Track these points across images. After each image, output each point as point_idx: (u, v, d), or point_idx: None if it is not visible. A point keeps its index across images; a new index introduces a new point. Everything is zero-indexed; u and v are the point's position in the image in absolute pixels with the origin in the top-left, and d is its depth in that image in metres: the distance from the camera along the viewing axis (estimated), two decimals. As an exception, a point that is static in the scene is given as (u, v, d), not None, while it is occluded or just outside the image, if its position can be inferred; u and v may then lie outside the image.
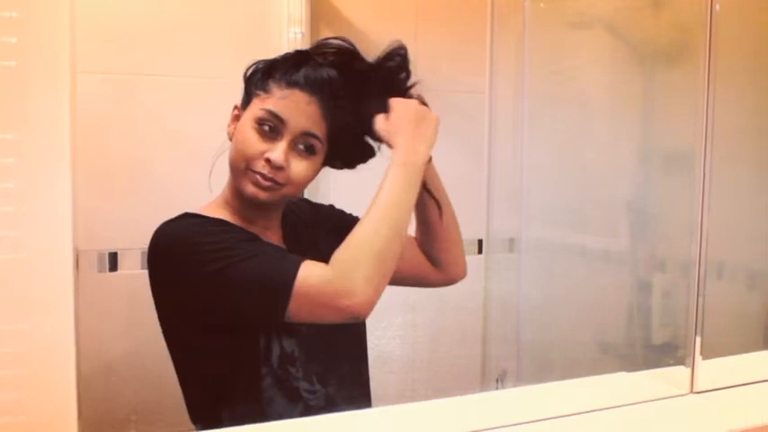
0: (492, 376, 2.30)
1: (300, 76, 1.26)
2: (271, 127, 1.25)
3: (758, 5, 1.93)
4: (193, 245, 1.23)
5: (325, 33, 2.10)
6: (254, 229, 1.32)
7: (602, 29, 2.20)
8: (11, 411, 0.62)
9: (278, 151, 1.24)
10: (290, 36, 1.97)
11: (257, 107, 1.27)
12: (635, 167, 2.15)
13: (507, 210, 2.38)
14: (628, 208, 2.14)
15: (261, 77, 1.30)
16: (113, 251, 1.93)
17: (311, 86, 1.25)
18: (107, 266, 1.92)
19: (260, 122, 1.26)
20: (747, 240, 2.03)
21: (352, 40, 1.33)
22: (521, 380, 2.32)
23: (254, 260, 1.20)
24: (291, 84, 1.26)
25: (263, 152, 1.25)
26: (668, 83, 2.00)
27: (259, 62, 1.33)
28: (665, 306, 2.02)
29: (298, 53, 1.31)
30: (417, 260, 1.51)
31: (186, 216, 1.31)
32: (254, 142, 1.25)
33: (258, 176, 1.26)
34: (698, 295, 1.19)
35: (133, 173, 1.92)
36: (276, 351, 1.28)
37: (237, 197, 1.32)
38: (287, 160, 1.26)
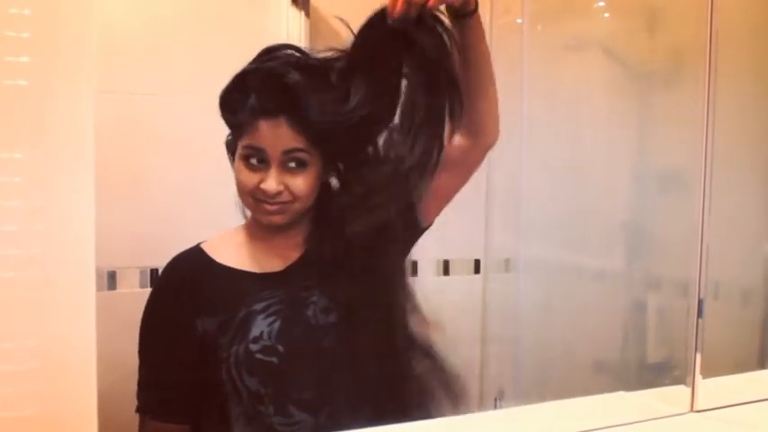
0: (490, 395, 2.30)
1: (254, 103, 1.27)
2: (257, 159, 1.29)
3: (756, 25, 1.95)
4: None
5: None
6: (271, 249, 1.39)
7: (599, 51, 2.22)
8: (29, 425, 0.62)
9: (269, 180, 1.28)
10: (289, 56, 1.98)
11: (240, 145, 1.31)
12: (631, 187, 2.17)
13: (504, 230, 2.39)
14: (624, 228, 2.15)
15: (228, 116, 1.34)
16: (112, 270, 1.93)
17: (270, 110, 1.27)
18: (105, 285, 1.91)
19: (246, 158, 1.30)
20: (742, 260, 2.05)
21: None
22: (519, 399, 2.32)
23: None
24: (253, 113, 1.27)
25: (258, 184, 1.29)
26: (664, 104, 2.02)
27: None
28: (661, 325, 2.02)
29: (237, 79, 1.32)
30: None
31: (197, 252, 1.41)
32: (248, 178, 1.30)
33: (265, 205, 1.31)
34: (698, 314, 1.20)
35: (134, 191, 1.92)
36: (245, 391, 1.30)
37: (257, 222, 1.39)
38: (281, 183, 1.29)
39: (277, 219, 1.33)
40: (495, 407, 2.24)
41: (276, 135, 1.27)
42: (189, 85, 1.88)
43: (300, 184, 1.30)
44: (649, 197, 2.10)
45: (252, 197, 1.31)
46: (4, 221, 0.66)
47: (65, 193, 0.64)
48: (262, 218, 1.34)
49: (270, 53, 1.32)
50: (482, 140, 1.43)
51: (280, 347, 1.30)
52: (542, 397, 1.16)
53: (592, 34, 2.21)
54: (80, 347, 0.63)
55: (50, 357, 0.63)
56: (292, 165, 1.29)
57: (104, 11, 1.86)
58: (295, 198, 1.31)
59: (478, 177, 2.27)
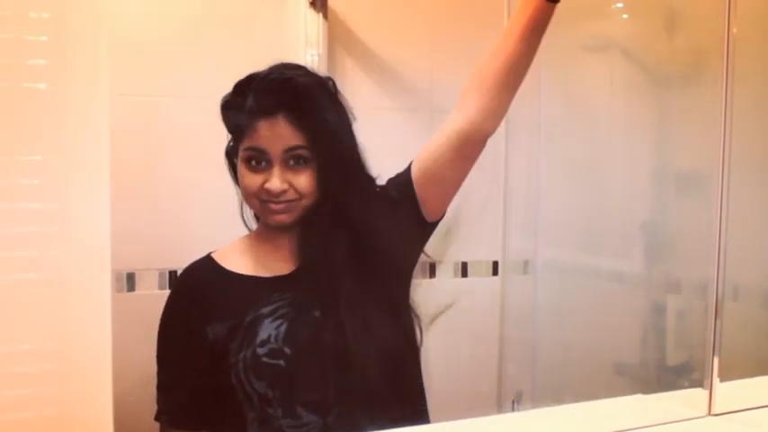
0: (508, 397, 2.29)
1: (252, 104, 1.30)
2: (258, 160, 1.31)
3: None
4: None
5: (342, 55, 2.12)
6: (278, 252, 1.40)
7: (617, 52, 2.21)
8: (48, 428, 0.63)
9: (273, 179, 1.30)
10: (308, 58, 1.99)
11: (241, 149, 1.33)
12: (650, 189, 2.15)
13: (522, 231, 2.38)
14: (643, 229, 2.14)
15: (229, 118, 1.36)
16: (131, 272, 1.94)
17: (268, 108, 1.29)
18: (125, 287, 1.93)
19: (248, 161, 1.32)
20: (763, 262, 2.03)
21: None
22: (537, 401, 2.31)
23: None
24: (251, 115, 1.30)
25: (263, 184, 1.31)
26: (683, 105, 2.01)
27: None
28: (680, 327, 2.01)
29: (238, 85, 1.35)
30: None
31: (207, 261, 1.43)
32: (252, 180, 1.32)
33: (271, 205, 1.33)
34: (716, 317, 1.19)
35: (152, 193, 1.93)
36: (254, 395, 1.31)
37: (264, 226, 1.43)
38: (285, 181, 1.31)
39: (284, 218, 1.34)
40: (513, 409, 2.24)
41: (276, 134, 1.29)
42: (205, 89, 1.89)
43: (303, 181, 1.32)
44: (668, 198, 2.09)
45: (257, 199, 1.33)
46: (24, 223, 0.67)
47: (81, 195, 0.65)
48: (269, 218, 1.35)
49: (279, 67, 1.36)
50: (484, 127, 1.40)
51: (287, 350, 1.30)
52: (561, 399, 1.16)
53: (610, 35, 2.20)
54: (96, 349, 0.64)
55: (67, 359, 0.64)
56: (293, 163, 1.31)
57: (119, 13, 1.87)
58: (300, 195, 1.32)
59: (497, 178, 2.29)
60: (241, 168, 1.34)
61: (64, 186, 0.66)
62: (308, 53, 2.00)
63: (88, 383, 0.64)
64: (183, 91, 1.93)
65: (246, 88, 1.32)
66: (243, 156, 1.32)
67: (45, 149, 0.68)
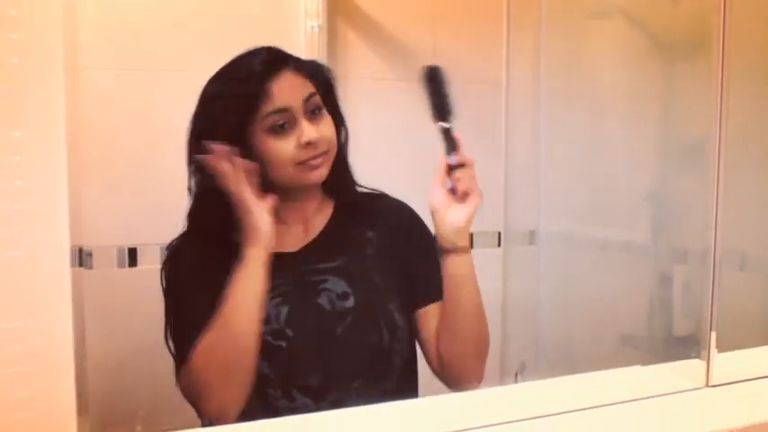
0: (511, 369, 2.29)
1: (259, 67, 1.28)
2: (282, 123, 1.28)
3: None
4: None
5: (343, 26, 2.10)
6: (285, 226, 1.36)
7: (621, 18, 2.18)
8: (11, 408, 0.63)
9: (306, 131, 1.28)
10: (307, 29, 1.97)
11: (259, 120, 1.27)
12: (655, 158, 2.13)
13: (528, 201, 2.37)
14: (648, 199, 2.12)
15: (229, 99, 1.29)
16: (132, 246, 1.94)
17: (275, 67, 1.28)
18: (126, 262, 1.93)
19: (272, 127, 1.28)
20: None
21: None
22: (540, 373, 2.31)
23: None
24: (261, 79, 1.26)
25: (298, 143, 1.28)
26: (688, 73, 1.98)
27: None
28: (687, 298, 2.00)
29: (224, 70, 1.33)
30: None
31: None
32: (284, 146, 1.28)
33: (311, 162, 1.30)
34: (712, 288, 1.18)
35: (151, 168, 1.92)
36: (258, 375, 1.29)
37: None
38: (317, 130, 1.29)
39: (324, 171, 1.32)
40: (516, 381, 2.23)
41: (290, 88, 1.28)
42: (205, 62, 1.88)
43: (327, 128, 1.32)
44: (674, 168, 2.07)
45: (294, 163, 1.29)
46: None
47: (41, 173, 0.64)
48: (311, 176, 1.31)
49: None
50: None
51: (289, 332, 1.30)
52: (565, 371, 1.15)
53: (614, 2, 2.17)
54: (57, 328, 0.63)
55: (30, 339, 0.63)
56: (313, 112, 1.30)
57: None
58: (329, 146, 1.32)
59: (498, 148, 2.27)
60: (265, 139, 1.28)
61: (28, 163, 0.65)
62: (308, 24, 1.97)
63: (49, 363, 0.64)
64: (181, 65, 1.91)
65: (239, 65, 1.30)
66: (265, 125, 1.27)
67: (18, 126, 0.67)
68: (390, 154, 2.13)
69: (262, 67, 1.27)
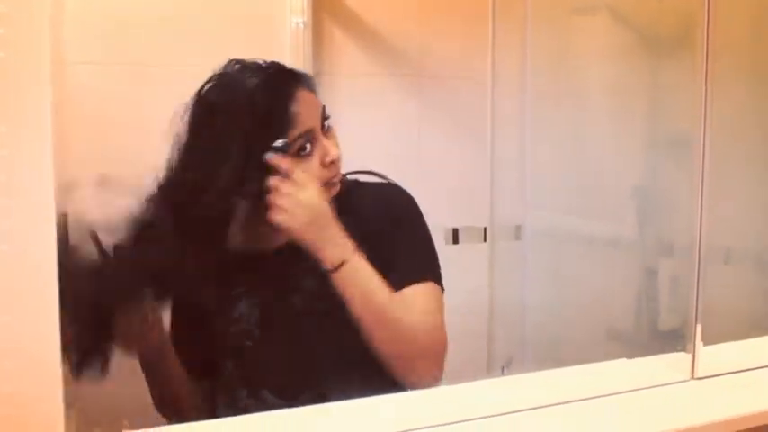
0: (498, 363, 2.30)
1: (277, 86, 1.21)
2: (304, 146, 1.21)
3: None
4: None
5: (328, 23, 2.10)
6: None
7: (607, 14, 2.19)
8: None
9: (329, 149, 1.23)
10: (292, 26, 1.96)
11: (286, 143, 1.19)
12: (641, 153, 2.14)
13: (514, 196, 2.38)
14: (635, 194, 2.13)
15: (250, 123, 1.19)
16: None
17: (290, 89, 1.21)
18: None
19: (299, 151, 1.21)
20: (755, 226, 2.03)
21: None
22: (526, 368, 2.32)
23: None
24: (284, 99, 1.20)
25: (322, 163, 1.23)
26: (673, 69, 1.99)
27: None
28: (673, 292, 2.01)
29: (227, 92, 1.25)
30: None
31: None
32: (308, 168, 1.21)
33: (333, 179, 1.26)
34: (697, 282, 1.19)
35: (138, 163, 1.91)
36: (224, 372, 1.30)
37: None
38: (336, 146, 1.26)
39: (339, 186, 1.27)
40: (503, 374, 2.24)
41: (308, 107, 1.22)
42: (192, 57, 1.86)
43: (338, 143, 1.28)
44: (660, 162, 2.08)
45: (321, 184, 1.22)
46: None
47: (27, 168, 0.64)
48: (332, 193, 1.25)
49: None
50: None
51: (256, 331, 1.28)
52: (551, 366, 1.16)
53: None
54: (45, 324, 0.63)
55: (19, 335, 0.63)
56: (326, 127, 1.26)
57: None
58: (340, 159, 1.27)
59: (484, 143, 2.28)
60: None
61: (14, 158, 0.65)
62: (293, 20, 1.97)
63: (36, 359, 0.64)
64: (170, 60, 1.90)
65: (253, 92, 1.20)
66: (293, 149, 1.20)
67: (6, 121, 0.66)
68: (375, 151, 2.13)
69: (280, 90, 1.21)
